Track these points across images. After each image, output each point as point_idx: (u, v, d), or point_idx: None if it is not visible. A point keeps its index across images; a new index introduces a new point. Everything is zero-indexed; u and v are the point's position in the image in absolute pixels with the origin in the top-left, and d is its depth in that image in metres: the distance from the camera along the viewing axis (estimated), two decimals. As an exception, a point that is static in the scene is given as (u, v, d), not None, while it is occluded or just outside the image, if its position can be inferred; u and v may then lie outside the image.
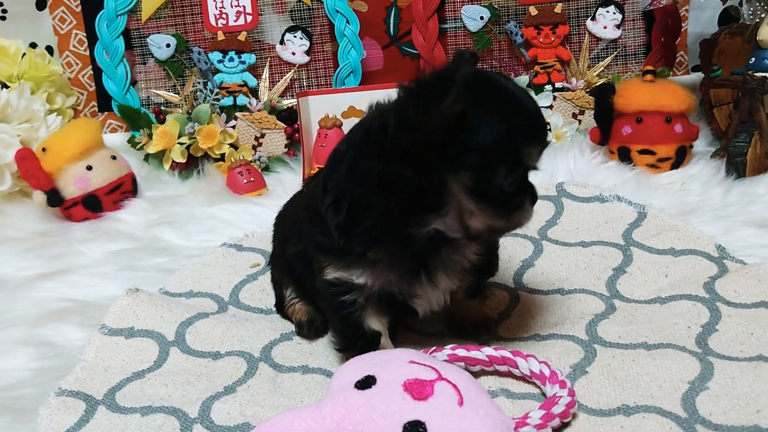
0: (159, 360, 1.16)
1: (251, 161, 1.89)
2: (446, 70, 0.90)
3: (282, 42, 2.01)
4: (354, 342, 1.05)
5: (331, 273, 1.01)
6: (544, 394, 0.99)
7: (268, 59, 2.01)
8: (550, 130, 1.91)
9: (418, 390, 0.87)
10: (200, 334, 1.21)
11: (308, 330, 1.19)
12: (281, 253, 1.21)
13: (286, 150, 1.99)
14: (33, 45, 2.08)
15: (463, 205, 0.93)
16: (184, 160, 1.92)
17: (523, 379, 1.03)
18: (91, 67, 2.04)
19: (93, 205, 1.76)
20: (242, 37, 1.98)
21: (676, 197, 1.56)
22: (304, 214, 1.06)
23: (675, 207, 1.50)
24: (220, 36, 1.98)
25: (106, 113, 2.07)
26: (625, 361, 1.04)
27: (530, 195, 0.98)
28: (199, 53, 1.97)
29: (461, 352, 1.04)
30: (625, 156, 1.73)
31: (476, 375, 1.03)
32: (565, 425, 0.93)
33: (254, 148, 1.99)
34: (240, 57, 1.98)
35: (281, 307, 1.25)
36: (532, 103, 0.97)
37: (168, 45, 1.98)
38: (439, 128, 0.87)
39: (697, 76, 2.00)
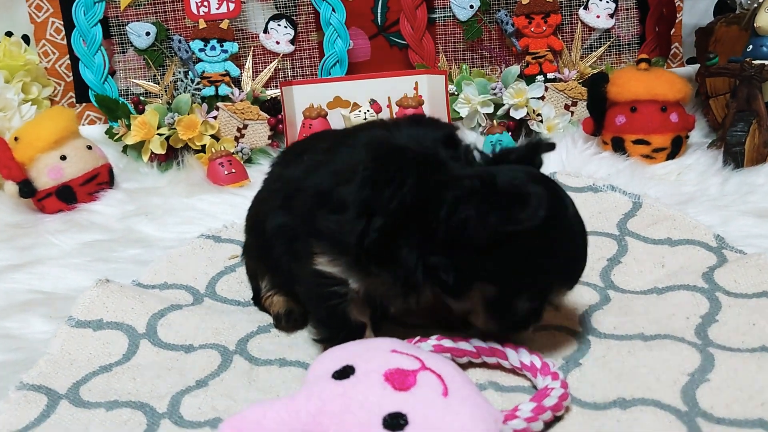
0: (128, 353, 1.11)
1: (233, 153, 1.84)
2: (525, 182, 0.90)
3: (266, 31, 1.95)
4: (337, 333, 1.00)
5: (323, 266, 0.96)
6: (535, 387, 0.94)
7: (252, 48, 1.96)
8: (541, 121, 1.86)
9: (400, 380, 0.82)
10: (173, 327, 1.15)
11: (286, 322, 1.13)
12: (256, 240, 1.15)
13: (269, 141, 1.94)
14: (9, 34, 2.02)
15: (475, 309, 0.95)
16: (163, 152, 1.86)
17: (512, 371, 0.98)
18: (68, 56, 1.97)
19: (67, 196, 1.70)
20: (224, 25, 1.92)
21: (671, 187, 1.52)
22: (310, 194, 0.99)
23: (671, 197, 1.46)
24: (202, 24, 1.91)
25: (84, 105, 2.01)
26: (621, 352, 0.99)
27: (536, 320, 0.98)
28: (180, 42, 1.91)
29: (447, 342, 0.99)
30: (618, 146, 1.68)
31: (463, 367, 0.97)
32: (558, 419, 0.88)
33: (236, 139, 1.93)
34: (222, 46, 1.92)
35: (258, 300, 1.20)
36: (583, 244, 0.96)
37: (148, 33, 1.92)
38: (491, 242, 0.87)
39: (692, 68, 1.96)
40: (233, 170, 1.74)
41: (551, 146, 1.01)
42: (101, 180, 1.75)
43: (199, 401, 0.97)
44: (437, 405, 0.80)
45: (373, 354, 0.87)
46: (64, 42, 1.96)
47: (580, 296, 1.16)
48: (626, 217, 1.37)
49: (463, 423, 0.79)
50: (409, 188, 0.90)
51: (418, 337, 1.00)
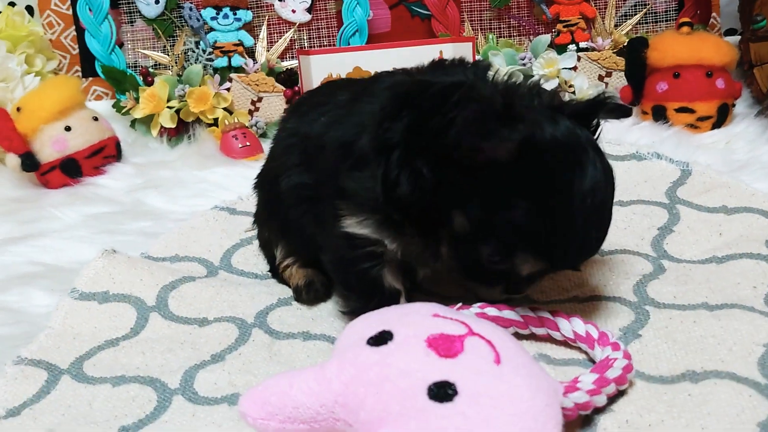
0: (136, 327, 1.03)
1: (248, 127, 1.75)
2: (534, 113, 0.79)
3: (281, -2, 1.87)
4: (369, 302, 0.90)
5: (353, 228, 0.88)
6: (592, 360, 0.85)
7: (266, 17, 1.87)
8: (574, 92, 1.75)
9: (445, 346, 0.72)
10: (185, 299, 1.07)
11: (306, 294, 1.05)
12: (266, 201, 1.09)
13: (285, 115, 1.84)
14: (11, 4, 1.94)
15: (444, 238, 0.85)
16: (173, 126, 1.79)
17: (564, 343, 0.89)
18: (74, 27, 1.89)
19: (71, 169, 1.62)
20: (238, -8, 1.84)
21: (721, 155, 1.43)
22: (332, 151, 0.90)
23: (722, 165, 1.37)
24: (214, -9, 1.84)
25: (90, 79, 1.92)
26: (685, 322, 0.90)
27: (508, 286, 0.88)
28: (191, 10, 1.83)
29: (491, 311, 0.89)
30: (660, 115, 1.60)
31: (510, 338, 0.87)
32: (621, 393, 0.78)
33: (251, 112, 1.85)
34: (235, 14, 1.84)
35: (276, 271, 1.11)
36: (587, 224, 0.80)
37: (157, 1, 1.84)
38: (468, 158, 0.77)
39: (732, 40, 1.85)
40: (248, 143, 1.67)
41: (620, 110, 0.89)
42: (108, 153, 1.67)
43: (215, 376, 0.90)
44: (488, 373, 0.70)
45: (413, 318, 0.77)
46: (70, 12, 1.88)
47: (630, 266, 1.07)
48: (675, 185, 1.29)
49: (520, 394, 0.69)
50: (422, 104, 0.80)
51: (459, 304, 0.90)
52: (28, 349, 0.96)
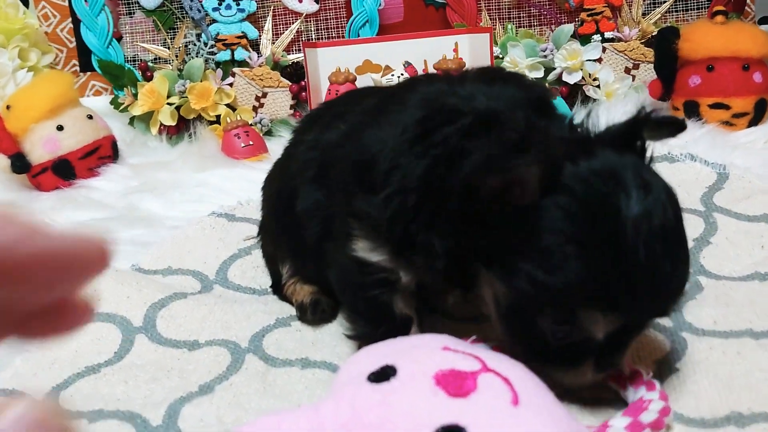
0: (120, 351, 0.96)
1: (251, 124, 1.69)
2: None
3: (287, -12, 1.81)
4: (377, 328, 0.82)
5: (364, 253, 0.79)
6: (625, 402, 0.75)
7: (272, 7, 1.81)
8: (599, 86, 1.65)
9: (456, 384, 0.63)
10: (175, 319, 1.00)
11: (312, 314, 0.97)
12: (277, 219, 1.00)
13: (291, 111, 1.79)
14: (4, -5, 1.86)
15: (492, 312, 0.75)
16: (173, 123, 1.73)
17: None
18: (70, 19, 1.83)
19: (64, 171, 1.56)
20: (241, -19, 1.78)
21: (759, 156, 1.34)
22: (348, 166, 0.81)
23: (761, 167, 1.28)
24: (216, -19, 1.78)
25: (88, 74, 1.87)
26: (728, 353, 0.81)
27: (599, 360, 0.72)
28: (192, 0, 1.77)
29: (511, 344, 0.79)
30: (692, 112, 1.51)
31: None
32: None
33: (255, 109, 1.79)
34: (238, 4, 1.78)
35: (279, 288, 1.04)
36: (659, 264, 0.66)
37: (156, -8, 1.78)
38: (468, 199, 0.67)
39: (767, 29, 1.75)
40: (251, 142, 1.60)
41: (670, 124, 0.75)
42: (103, 154, 1.61)
43: (201, 411, 0.83)
44: (505, 415, 0.61)
45: (421, 352, 0.69)
46: (66, 3, 1.82)
47: (664, 283, 0.97)
48: (711, 190, 1.20)
49: (541, 441, 0.59)
50: (441, 144, 0.70)
51: (473, 337, 0.81)
52: (1, 377, 0.89)
